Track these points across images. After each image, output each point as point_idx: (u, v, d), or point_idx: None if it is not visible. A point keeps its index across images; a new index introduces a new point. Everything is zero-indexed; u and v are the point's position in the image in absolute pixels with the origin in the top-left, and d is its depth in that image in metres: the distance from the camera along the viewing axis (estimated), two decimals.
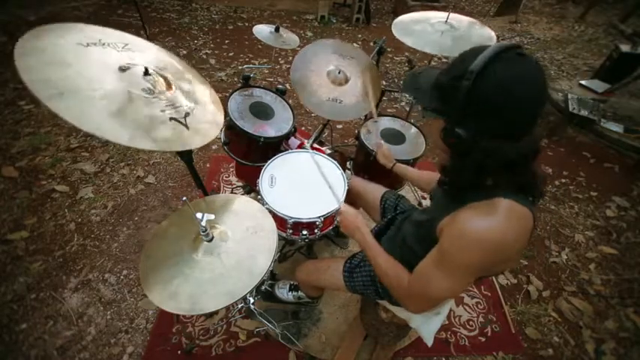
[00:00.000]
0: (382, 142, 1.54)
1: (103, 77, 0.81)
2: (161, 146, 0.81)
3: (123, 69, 0.86)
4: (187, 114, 0.93)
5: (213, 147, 2.50)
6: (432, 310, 1.09)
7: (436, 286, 0.73)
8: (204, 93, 1.07)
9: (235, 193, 2.06)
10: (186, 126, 0.90)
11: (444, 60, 3.86)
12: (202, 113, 0.99)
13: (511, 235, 0.65)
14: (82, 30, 0.89)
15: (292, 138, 1.66)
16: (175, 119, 0.89)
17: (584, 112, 2.94)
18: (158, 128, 0.83)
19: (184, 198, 0.95)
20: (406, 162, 1.61)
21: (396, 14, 1.72)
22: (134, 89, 0.85)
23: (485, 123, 0.62)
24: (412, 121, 1.84)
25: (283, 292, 1.53)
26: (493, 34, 1.64)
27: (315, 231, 1.29)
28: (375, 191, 1.39)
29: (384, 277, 0.89)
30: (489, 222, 0.65)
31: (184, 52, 3.70)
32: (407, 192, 2.25)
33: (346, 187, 1.31)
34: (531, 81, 0.59)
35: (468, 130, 0.63)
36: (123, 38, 0.97)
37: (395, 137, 1.72)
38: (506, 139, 0.62)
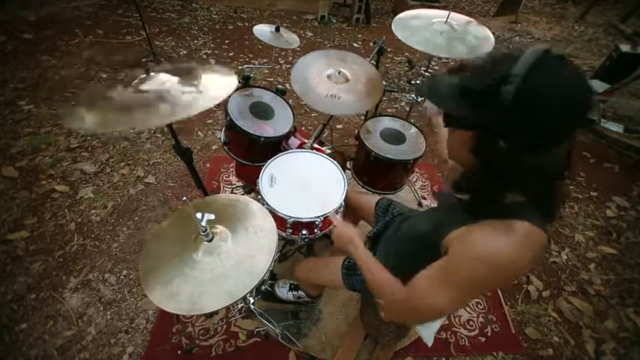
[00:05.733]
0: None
1: None
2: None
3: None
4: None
5: (213, 147, 2.50)
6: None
7: (436, 300, 0.69)
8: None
9: (235, 193, 2.06)
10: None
11: (445, 60, 3.86)
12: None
13: (525, 260, 0.63)
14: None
15: (292, 138, 1.66)
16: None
17: None
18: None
19: (184, 198, 0.95)
20: (405, 162, 1.61)
21: (396, 14, 1.71)
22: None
23: (528, 133, 0.55)
24: (412, 121, 1.84)
25: (283, 291, 1.54)
26: (491, 35, 1.63)
27: (315, 231, 1.29)
28: (369, 200, 1.39)
29: (378, 288, 0.83)
30: (506, 245, 0.61)
31: (184, 52, 3.70)
32: (407, 192, 2.25)
33: (346, 188, 1.31)
34: (578, 85, 0.54)
35: (509, 142, 0.56)
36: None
37: (395, 137, 1.72)
38: (547, 149, 0.57)
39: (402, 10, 1.78)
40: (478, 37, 1.61)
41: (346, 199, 1.34)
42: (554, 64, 0.54)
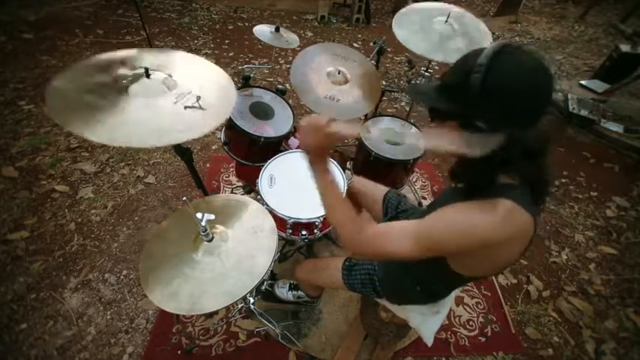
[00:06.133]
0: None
1: None
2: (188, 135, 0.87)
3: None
4: (198, 97, 0.96)
5: (213, 147, 2.50)
6: (431, 309, 1.09)
7: (396, 249, 0.73)
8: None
9: (235, 193, 2.06)
10: (201, 108, 0.93)
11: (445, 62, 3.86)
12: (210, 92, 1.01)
13: (501, 235, 0.66)
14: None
15: (292, 138, 1.66)
16: (189, 106, 0.92)
17: (584, 112, 2.94)
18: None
19: (184, 198, 0.95)
20: (405, 162, 1.61)
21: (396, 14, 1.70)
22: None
23: (502, 112, 0.63)
24: (412, 121, 1.84)
25: (283, 291, 1.54)
26: (487, 30, 1.59)
27: (315, 231, 1.29)
28: (377, 190, 1.38)
29: (339, 214, 0.81)
30: (484, 217, 0.66)
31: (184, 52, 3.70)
32: (407, 192, 2.25)
33: (346, 187, 1.31)
34: (537, 67, 0.62)
35: (487, 122, 0.63)
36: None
37: (395, 137, 1.72)
38: (524, 127, 0.63)
39: None
40: (479, 32, 1.58)
41: (353, 185, 1.36)
42: (514, 52, 0.63)
